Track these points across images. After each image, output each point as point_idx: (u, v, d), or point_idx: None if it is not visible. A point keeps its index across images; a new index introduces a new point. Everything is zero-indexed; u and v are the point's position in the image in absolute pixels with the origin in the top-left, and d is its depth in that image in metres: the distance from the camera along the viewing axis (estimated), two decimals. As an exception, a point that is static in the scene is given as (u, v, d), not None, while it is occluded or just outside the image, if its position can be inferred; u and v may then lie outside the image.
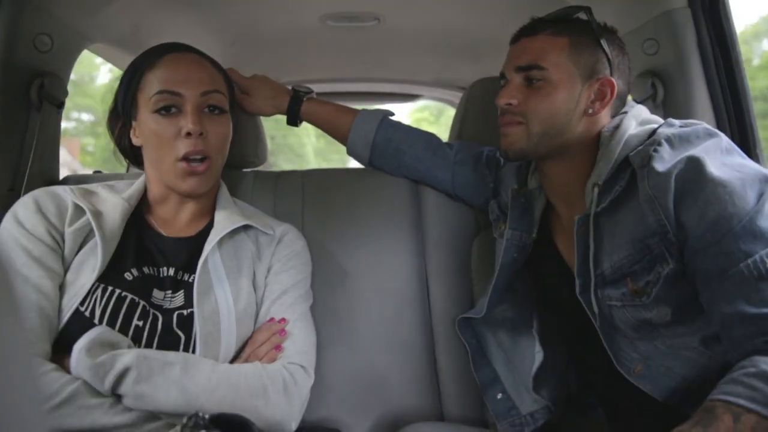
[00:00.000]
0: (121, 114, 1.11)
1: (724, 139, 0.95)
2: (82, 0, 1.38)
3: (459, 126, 1.43)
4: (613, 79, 1.03)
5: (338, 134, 1.39)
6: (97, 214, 1.03)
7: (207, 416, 0.86)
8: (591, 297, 1.00)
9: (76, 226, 1.03)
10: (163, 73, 1.06)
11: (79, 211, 1.04)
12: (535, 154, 1.06)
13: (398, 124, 1.37)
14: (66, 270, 1.01)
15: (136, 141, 1.10)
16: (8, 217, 1.02)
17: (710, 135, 0.94)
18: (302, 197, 1.37)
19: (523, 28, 1.07)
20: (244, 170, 1.40)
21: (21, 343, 0.31)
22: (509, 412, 1.18)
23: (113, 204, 1.07)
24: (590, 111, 1.03)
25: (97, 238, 1.00)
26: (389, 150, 1.35)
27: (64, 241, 1.02)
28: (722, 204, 0.85)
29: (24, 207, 1.02)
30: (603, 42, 1.03)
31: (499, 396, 1.19)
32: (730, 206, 0.85)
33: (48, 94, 1.34)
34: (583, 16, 1.05)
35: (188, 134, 1.03)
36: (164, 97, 1.04)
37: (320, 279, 1.23)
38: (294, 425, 1.00)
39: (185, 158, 1.03)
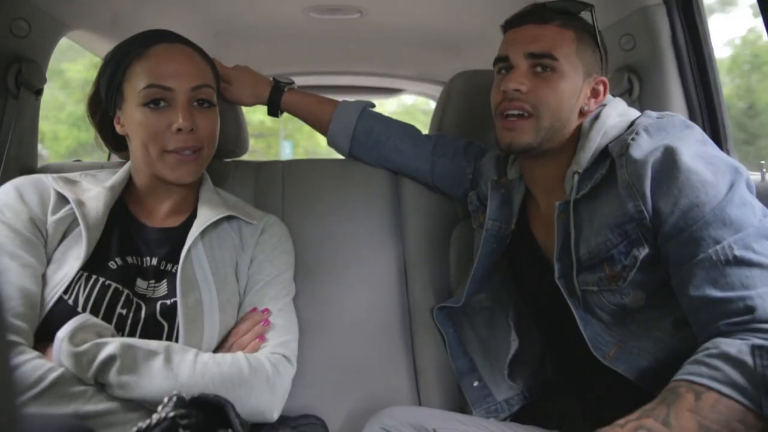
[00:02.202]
0: (104, 101, 1.10)
1: (698, 131, 0.97)
2: None
3: (439, 118, 1.44)
4: (606, 79, 1.06)
5: (319, 125, 1.40)
6: (81, 204, 1.03)
7: (188, 398, 0.87)
8: (572, 282, 1.02)
9: (59, 215, 1.02)
10: (152, 65, 1.03)
11: (62, 200, 1.04)
12: (539, 149, 1.05)
13: (378, 115, 1.38)
14: (49, 259, 1.00)
15: (120, 130, 1.09)
16: None
17: (686, 126, 0.97)
18: (282, 187, 1.37)
19: (530, 13, 1.06)
20: (225, 160, 1.40)
21: None
22: (485, 399, 1.20)
23: (96, 193, 1.06)
24: (585, 108, 1.05)
25: (81, 227, 1.00)
26: (369, 141, 1.36)
27: (47, 231, 1.01)
28: (695, 192, 0.88)
29: (5, 195, 1.01)
30: (601, 40, 1.06)
31: (476, 384, 1.21)
32: (702, 194, 0.88)
33: (26, 81, 1.33)
34: (588, 15, 1.06)
35: (179, 130, 1.03)
36: (154, 91, 1.02)
37: (300, 268, 1.24)
38: (276, 414, 1.01)
39: (175, 150, 1.04)
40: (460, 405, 1.25)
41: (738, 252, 0.85)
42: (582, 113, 1.06)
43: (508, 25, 1.09)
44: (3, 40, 1.29)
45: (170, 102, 1.03)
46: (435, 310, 1.25)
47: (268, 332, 1.05)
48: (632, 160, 0.93)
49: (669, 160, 0.90)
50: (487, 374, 1.22)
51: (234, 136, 1.35)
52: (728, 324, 0.83)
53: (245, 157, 1.46)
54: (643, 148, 0.93)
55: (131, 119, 1.05)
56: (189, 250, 1.04)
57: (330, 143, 1.40)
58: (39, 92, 1.39)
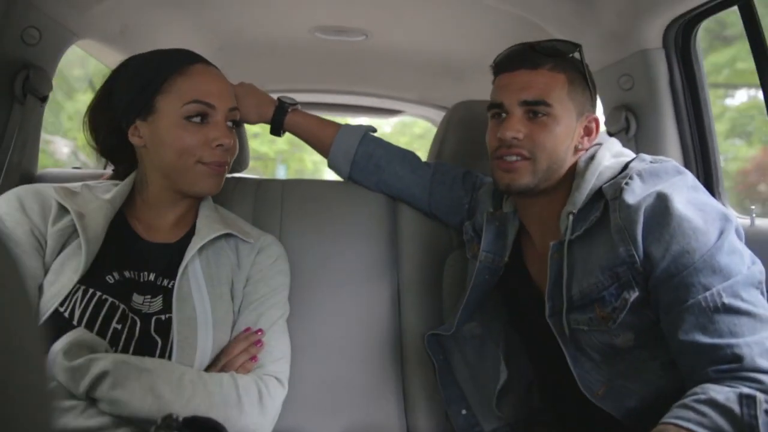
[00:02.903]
0: (121, 111, 1.09)
1: (690, 177, 1.00)
2: None
3: (439, 146, 1.46)
4: (597, 117, 1.09)
5: (320, 147, 1.41)
6: (81, 216, 1.03)
7: (180, 419, 0.87)
8: (562, 321, 1.04)
9: (59, 226, 1.02)
10: (197, 82, 1.07)
11: (62, 211, 1.04)
12: (536, 190, 1.07)
13: (379, 140, 1.40)
14: (46, 270, 1.00)
15: (137, 141, 1.09)
16: None
17: (678, 172, 0.99)
18: (281, 206, 1.38)
19: (521, 58, 1.07)
20: (226, 176, 1.41)
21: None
22: (473, 428, 1.20)
23: (97, 205, 1.06)
24: (579, 146, 1.08)
25: (81, 239, 1.00)
26: (369, 165, 1.38)
27: (46, 241, 1.01)
28: (686, 238, 0.90)
29: (7, 204, 1.02)
30: (590, 79, 1.08)
31: (464, 412, 1.22)
32: (693, 241, 0.90)
33: (32, 87, 1.34)
34: (577, 54, 1.08)
35: (219, 146, 1.07)
36: (199, 106, 1.06)
37: (295, 288, 1.24)
38: None
39: (213, 163, 1.07)
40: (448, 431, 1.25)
41: (726, 300, 0.87)
42: (576, 150, 1.08)
43: (499, 69, 1.10)
44: (13, 47, 1.30)
45: (210, 119, 1.07)
46: (426, 337, 1.26)
47: (261, 353, 1.05)
48: (625, 205, 0.95)
49: (661, 207, 0.93)
50: (475, 403, 1.23)
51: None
52: (716, 371, 0.85)
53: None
54: (636, 193, 0.95)
55: (161, 130, 1.06)
56: (186, 267, 1.04)
57: (330, 166, 1.42)
58: (44, 99, 1.41)
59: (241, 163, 1.40)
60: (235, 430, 0.94)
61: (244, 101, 1.33)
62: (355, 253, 1.37)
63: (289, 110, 1.36)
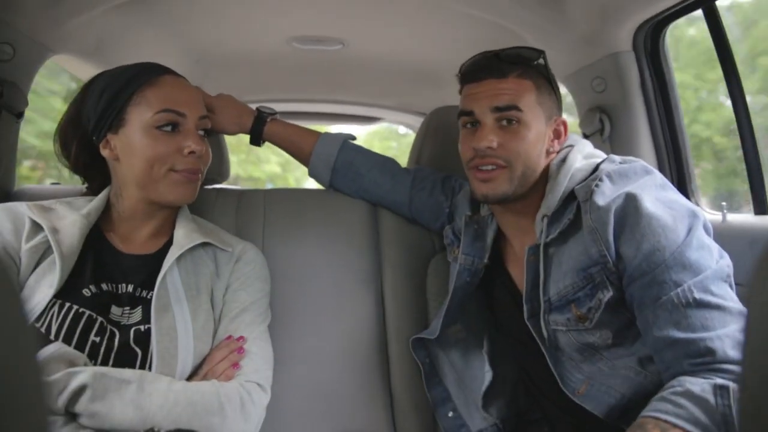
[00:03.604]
0: (91, 125, 1.09)
1: (659, 176, 1.03)
2: (46, 12, 1.37)
3: (418, 152, 1.48)
4: (564, 119, 1.11)
5: (300, 156, 1.42)
6: (55, 231, 1.03)
7: (163, 431, 0.87)
8: (540, 322, 1.06)
9: (32, 243, 1.02)
10: (167, 92, 1.08)
11: (36, 227, 1.04)
12: (513, 196, 1.09)
13: (359, 147, 1.41)
14: (21, 287, 1.00)
15: (108, 154, 1.09)
16: None
17: (646, 172, 1.02)
18: (264, 216, 1.39)
19: (488, 67, 1.08)
20: (206, 187, 1.41)
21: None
22: (459, 429, 1.21)
23: (71, 221, 1.06)
24: (550, 150, 1.10)
25: (55, 254, 1.00)
26: (349, 173, 1.39)
27: (20, 258, 1.01)
28: (656, 237, 0.93)
29: None
30: (554, 83, 1.11)
31: (450, 414, 1.23)
32: (663, 239, 0.93)
33: (7, 104, 1.33)
34: (541, 60, 1.10)
35: (191, 153, 1.07)
36: (169, 115, 1.07)
37: (279, 296, 1.25)
38: None
39: (185, 170, 1.07)
40: (434, 435, 1.26)
41: (697, 295, 0.90)
42: (548, 154, 1.10)
43: (466, 78, 1.12)
44: None
45: (180, 127, 1.08)
46: (411, 341, 1.27)
47: (243, 360, 1.05)
48: (596, 206, 0.97)
49: (631, 207, 0.95)
50: (461, 405, 1.24)
51: (216, 164, 1.36)
52: (691, 364, 0.88)
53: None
54: (606, 194, 0.98)
55: (132, 141, 1.06)
56: (164, 277, 1.04)
57: (311, 174, 1.42)
58: (20, 115, 1.39)
59: (222, 174, 1.40)
60: None
61: (222, 112, 1.33)
62: (338, 260, 1.38)
63: (268, 120, 1.37)
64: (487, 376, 1.20)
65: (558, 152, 1.12)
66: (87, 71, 1.69)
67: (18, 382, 0.30)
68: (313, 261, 1.36)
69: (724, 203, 1.33)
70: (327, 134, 1.41)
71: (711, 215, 1.42)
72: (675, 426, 0.81)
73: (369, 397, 1.29)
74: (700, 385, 0.84)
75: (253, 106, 1.40)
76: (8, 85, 1.33)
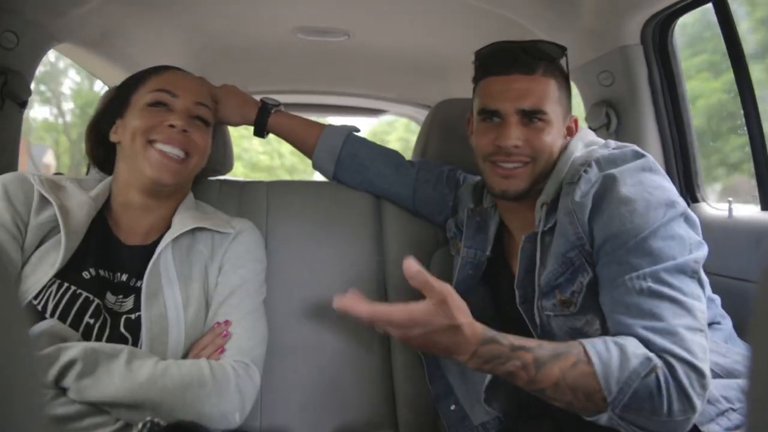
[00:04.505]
0: (106, 114, 1.15)
1: (649, 160, 1.01)
2: (50, 1, 1.36)
3: (422, 144, 1.47)
4: (576, 117, 1.11)
5: (304, 148, 1.41)
6: (65, 211, 1.03)
7: (162, 423, 0.87)
8: (533, 308, 1.06)
9: (41, 219, 1.02)
10: (165, 78, 1.14)
11: (44, 202, 1.04)
12: (531, 191, 1.08)
13: (363, 140, 1.40)
14: (24, 262, 1.00)
15: (114, 137, 1.12)
16: None
17: (636, 156, 1.01)
18: (266, 207, 1.38)
19: (514, 61, 1.05)
20: (210, 178, 1.41)
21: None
22: (462, 422, 1.21)
23: (80, 202, 1.06)
24: (562, 146, 1.09)
25: (62, 235, 1.00)
26: (354, 165, 1.38)
27: (26, 232, 1.01)
28: (622, 220, 0.93)
29: None
30: (569, 81, 1.11)
31: (453, 407, 1.23)
32: (629, 223, 0.93)
33: (10, 92, 1.33)
34: (565, 58, 1.09)
35: (171, 126, 1.07)
36: (159, 94, 1.10)
37: (281, 288, 1.25)
38: (239, 417, 1.00)
39: (162, 152, 1.07)
40: (437, 427, 1.26)
41: (651, 284, 0.90)
42: (560, 150, 1.09)
43: (489, 70, 1.08)
44: None
45: (172, 107, 1.10)
46: (414, 334, 1.27)
47: (229, 343, 1.05)
48: (578, 192, 0.98)
49: (606, 189, 0.96)
50: (463, 397, 1.24)
51: (220, 155, 1.36)
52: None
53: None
54: (591, 180, 0.98)
55: (130, 121, 1.09)
56: (155, 262, 1.04)
57: (315, 166, 1.42)
58: (23, 104, 1.39)
59: (225, 165, 1.40)
60: (205, 409, 0.95)
61: (226, 103, 1.33)
62: (341, 252, 1.38)
63: (273, 111, 1.37)
64: (489, 370, 1.20)
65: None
66: (91, 62, 1.69)
67: (9, 356, 0.30)
68: (315, 253, 1.36)
69: (730, 198, 1.32)
70: (331, 126, 1.41)
71: (717, 210, 1.41)
72: (589, 362, 0.85)
73: (371, 389, 1.29)
74: (637, 348, 0.86)
75: (257, 98, 1.39)
76: (12, 74, 1.33)
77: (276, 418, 1.11)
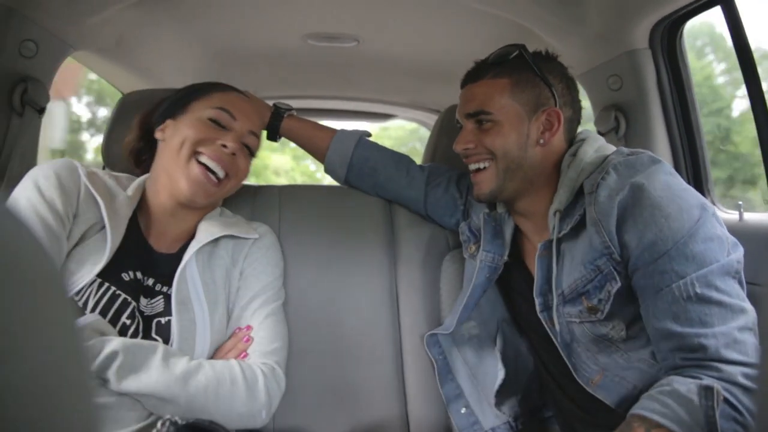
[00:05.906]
0: (159, 113, 1.18)
1: (667, 166, 1.02)
2: (67, 9, 1.39)
3: (432, 148, 1.48)
4: (558, 109, 1.09)
5: (316, 152, 1.43)
6: (111, 211, 1.06)
7: (182, 421, 0.90)
8: (553, 315, 1.06)
9: (87, 213, 1.06)
10: (231, 99, 1.18)
11: (89, 197, 1.07)
12: (506, 192, 1.11)
13: (375, 144, 1.42)
14: (66, 254, 1.03)
15: (159, 135, 1.16)
16: (28, 183, 1.04)
17: (653, 162, 1.01)
18: (279, 212, 1.40)
19: (468, 74, 1.15)
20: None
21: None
22: (472, 426, 1.22)
23: (120, 202, 1.10)
24: (541, 141, 1.09)
25: (109, 236, 1.03)
26: (365, 169, 1.40)
27: (71, 226, 1.04)
28: (659, 226, 0.93)
29: (45, 179, 1.04)
30: (544, 74, 1.10)
31: (463, 410, 1.24)
32: (666, 229, 0.92)
33: (31, 99, 1.36)
34: (517, 53, 1.10)
35: (223, 146, 1.11)
36: (221, 113, 1.14)
37: (294, 291, 1.26)
38: (265, 414, 1.05)
39: (205, 166, 1.09)
40: (447, 429, 1.27)
41: (699, 289, 0.90)
42: (541, 145, 1.09)
43: (460, 87, 1.18)
44: (11, 60, 1.32)
45: (229, 128, 1.13)
46: (425, 337, 1.28)
47: (251, 347, 1.09)
48: (600, 198, 0.98)
49: (635, 197, 0.95)
50: (474, 401, 1.25)
51: None
52: (683, 358, 0.90)
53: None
54: (612, 187, 0.98)
55: (182, 126, 1.12)
56: (183, 271, 1.08)
57: (327, 170, 1.44)
58: (42, 111, 1.42)
59: None
60: (235, 406, 1.00)
61: None
62: (352, 256, 1.39)
63: (285, 116, 1.39)
64: (500, 373, 1.20)
65: (568, 146, 1.12)
66: (106, 68, 1.72)
67: (62, 346, 0.32)
68: (328, 257, 1.38)
69: (740, 203, 1.33)
70: (343, 131, 1.42)
71: (727, 214, 1.41)
72: (659, 426, 0.83)
73: (382, 392, 1.31)
74: (686, 385, 0.85)
75: (269, 103, 1.41)
76: (32, 81, 1.36)
77: (288, 420, 1.13)
